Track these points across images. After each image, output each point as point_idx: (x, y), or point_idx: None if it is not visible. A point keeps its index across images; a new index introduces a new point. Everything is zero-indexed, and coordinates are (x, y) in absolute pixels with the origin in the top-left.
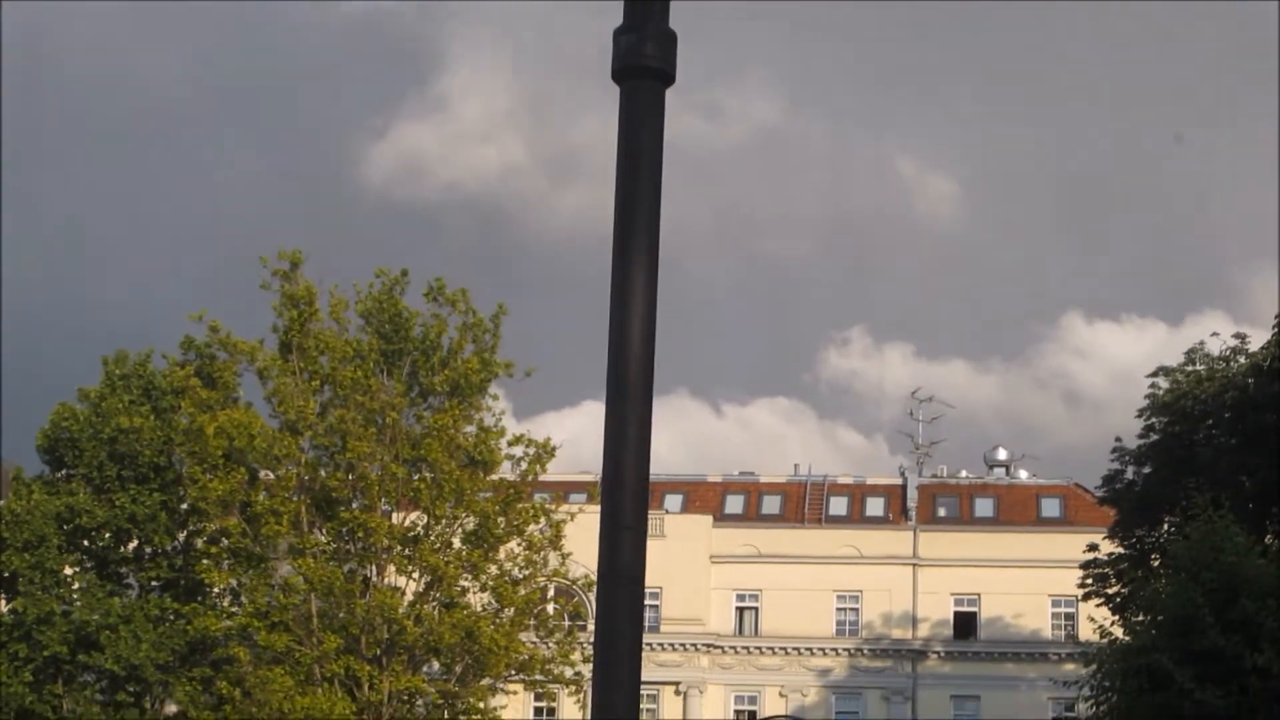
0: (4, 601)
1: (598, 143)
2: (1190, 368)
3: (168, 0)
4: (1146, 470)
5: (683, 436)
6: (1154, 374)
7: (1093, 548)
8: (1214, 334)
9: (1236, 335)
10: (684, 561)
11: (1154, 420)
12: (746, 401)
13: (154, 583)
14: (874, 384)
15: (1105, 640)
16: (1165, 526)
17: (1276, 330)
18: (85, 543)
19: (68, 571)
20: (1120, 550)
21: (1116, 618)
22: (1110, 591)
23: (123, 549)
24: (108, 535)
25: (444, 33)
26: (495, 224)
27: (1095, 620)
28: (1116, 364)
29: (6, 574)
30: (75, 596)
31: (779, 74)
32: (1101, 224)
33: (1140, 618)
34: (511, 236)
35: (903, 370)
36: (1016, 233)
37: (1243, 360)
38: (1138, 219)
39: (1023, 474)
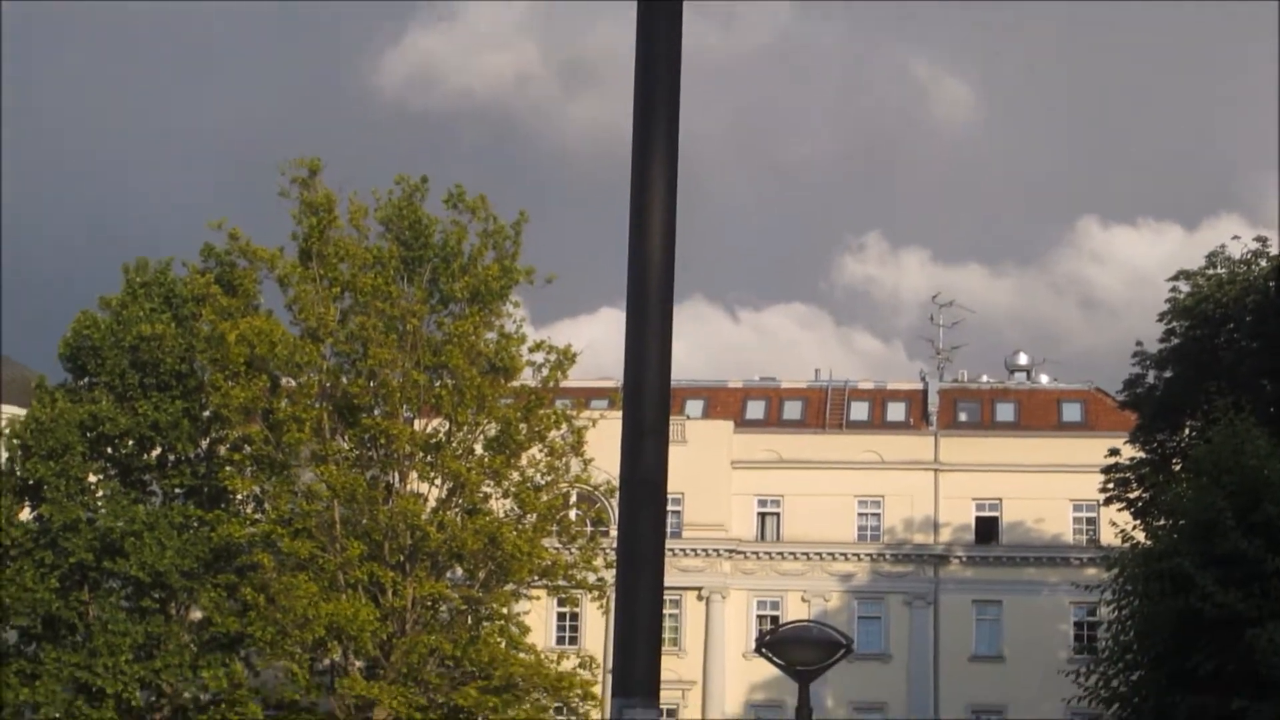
0: (30, 509)
1: (612, 50)
2: (1211, 271)
3: None
4: (1168, 374)
5: (700, 342)
6: (1174, 278)
7: (1114, 452)
8: (1235, 237)
9: (1258, 239)
10: (706, 467)
11: (1175, 324)
12: (762, 307)
13: (177, 490)
14: (890, 290)
15: (1127, 544)
16: (1187, 431)
17: None
18: (109, 450)
19: (92, 479)
20: (1141, 455)
21: (1138, 522)
22: (1131, 496)
23: (146, 456)
24: (131, 443)
25: None
26: (510, 132)
27: (1117, 525)
28: (1133, 268)
29: (32, 482)
30: (100, 504)
31: None
32: (1117, 127)
33: (1162, 522)
34: (526, 144)
35: (919, 275)
36: (1032, 136)
37: (1264, 264)
38: (1153, 122)
39: (1043, 379)
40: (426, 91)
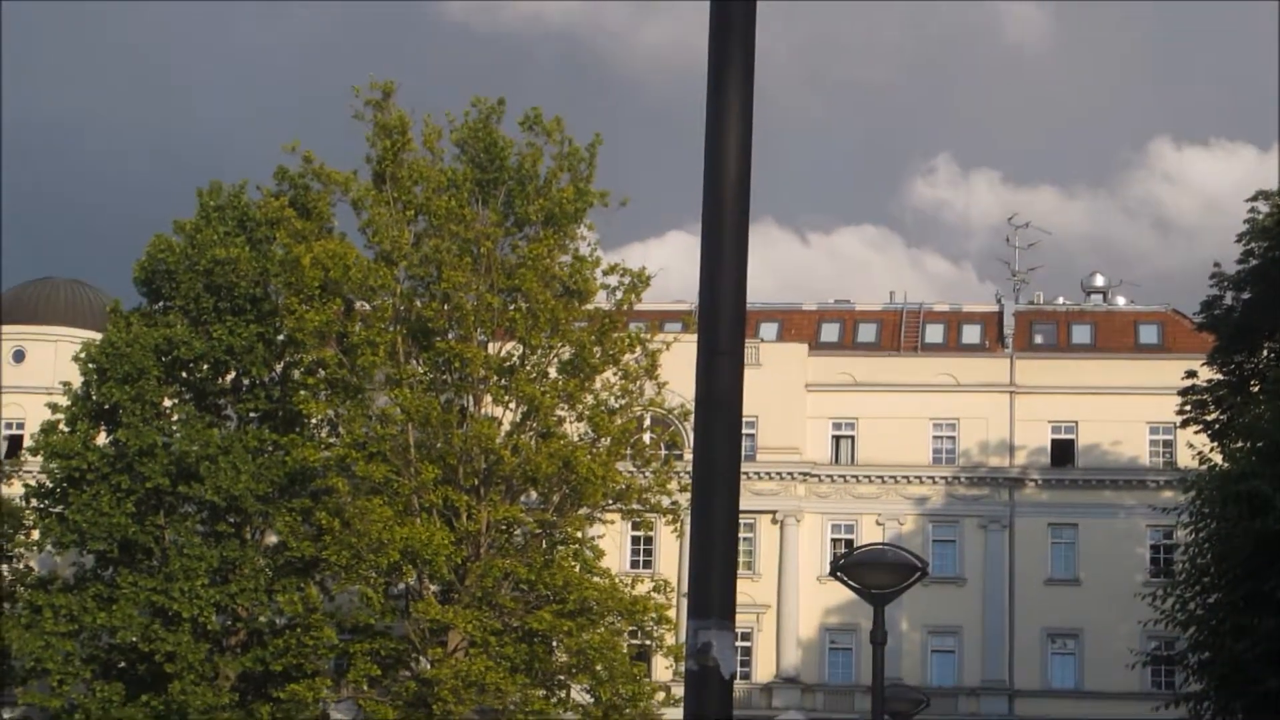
0: (106, 434)
1: None
2: None
3: None
4: (1246, 296)
5: (771, 265)
6: (1253, 198)
7: (1191, 374)
8: None
9: None
10: (780, 390)
11: (1254, 245)
12: (832, 230)
13: (252, 414)
14: (960, 212)
15: (1204, 467)
16: (1265, 352)
17: None
18: (184, 374)
19: (167, 403)
20: (1219, 376)
21: (1215, 444)
22: (1209, 418)
23: (221, 380)
24: (206, 367)
25: None
26: (578, 56)
27: (1194, 447)
28: (1206, 190)
29: (107, 406)
30: (175, 428)
31: None
32: (1188, 47)
33: (1239, 444)
34: (595, 68)
35: (990, 198)
36: (1103, 58)
37: None
38: (1224, 41)
39: (1120, 300)
40: (495, 14)
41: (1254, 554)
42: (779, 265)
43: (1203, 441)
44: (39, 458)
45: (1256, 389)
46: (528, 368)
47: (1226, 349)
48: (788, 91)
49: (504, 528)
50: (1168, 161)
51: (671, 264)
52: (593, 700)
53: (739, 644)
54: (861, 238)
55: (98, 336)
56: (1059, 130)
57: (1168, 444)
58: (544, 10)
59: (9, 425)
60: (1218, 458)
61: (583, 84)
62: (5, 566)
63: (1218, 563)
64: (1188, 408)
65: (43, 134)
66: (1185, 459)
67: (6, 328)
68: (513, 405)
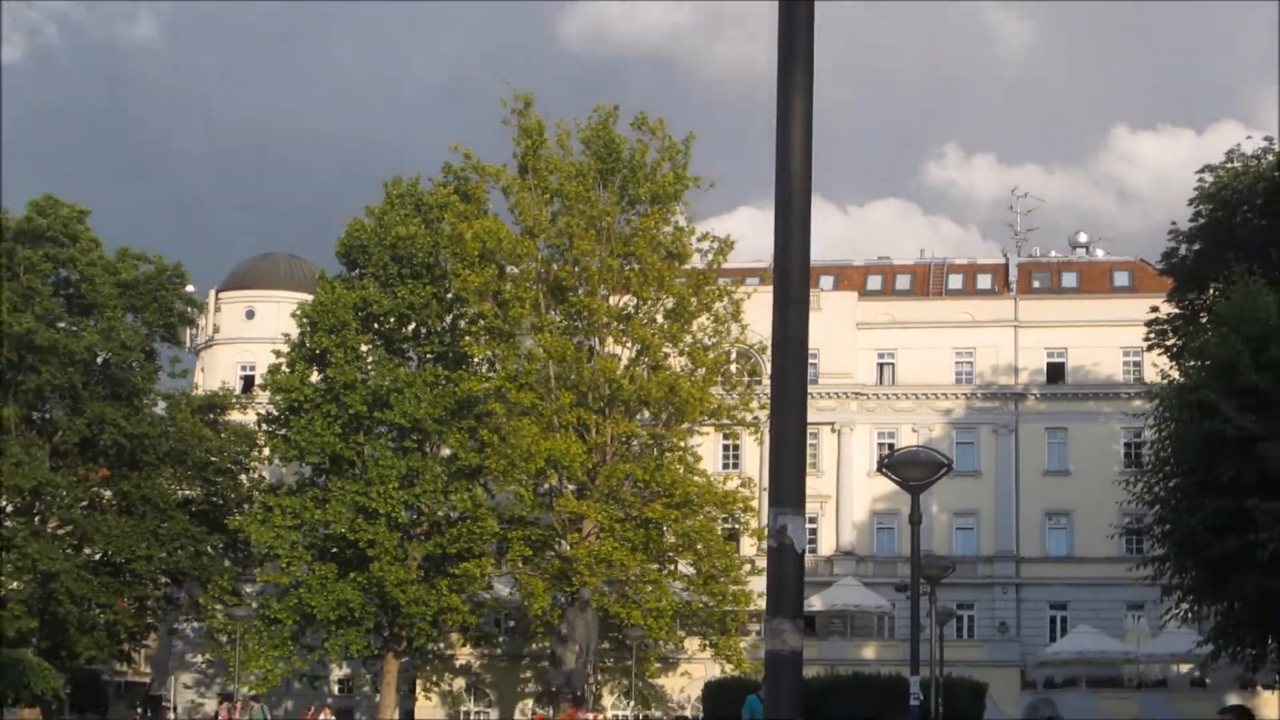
0: (317, 372)
1: (746, 6)
2: (1229, 165)
3: None
4: (1196, 247)
5: (820, 231)
6: (1201, 170)
7: (1154, 309)
8: (1248, 137)
9: (1266, 138)
10: (836, 329)
11: (1201, 208)
12: (864, 203)
13: (428, 355)
14: (965, 187)
15: (1165, 381)
16: (1211, 291)
17: None
18: (375, 326)
19: (363, 348)
20: (1176, 310)
21: (1173, 364)
22: (1169, 343)
23: (404, 330)
24: (392, 320)
25: None
26: (665, 70)
27: (1157, 366)
28: (1156, 166)
29: (318, 351)
30: (370, 368)
31: None
32: (1141, 53)
33: (1192, 363)
34: (679, 79)
35: (988, 174)
36: (1075, 62)
37: (1270, 158)
38: (1169, 47)
39: (1099, 253)
40: (603, 40)
41: (1203, 449)
42: (827, 231)
43: (1164, 362)
44: (267, 392)
45: (1205, 320)
46: (640, 315)
47: (1182, 289)
48: (827, 88)
49: (624, 440)
50: (1125, 144)
51: (743, 233)
52: (694, 572)
53: (807, 525)
54: (889, 209)
55: (309, 298)
56: (1040, 121)
57: (1137, 364)
58: (642, 35)
59: (243, 368)
60: (1175, 374)
61: (671, 91)
62: (244, 476)
63: (1175, 456)
64: (1152, 335)
65: (267, 138)
66: (1151, 376)
67: (239, 292)
68: (629, 344)
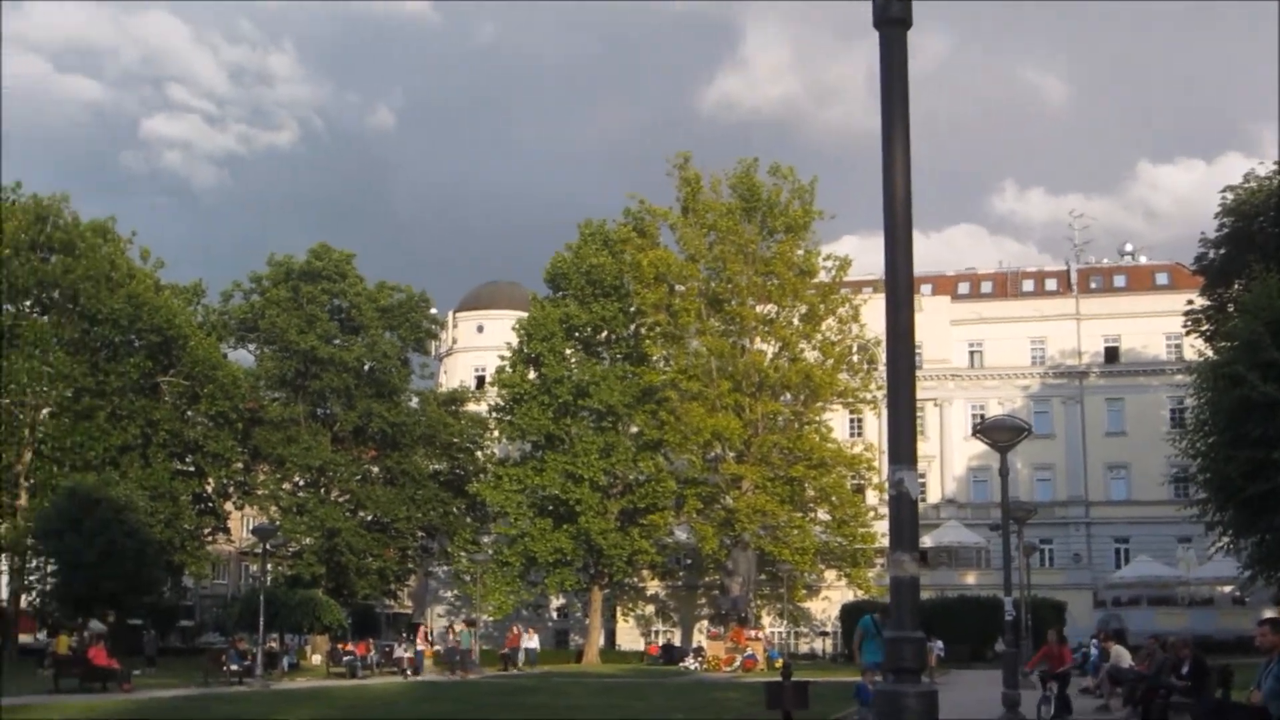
0: (534, 371)
1: (846, 75)
2: (1246, 184)
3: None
4: (1222, 251)
5: (914, 249)
6: (1224, 190)
7: (1190, 302)
8: (1260, 162)
9: (1277, 163)
10: (935, 325)
11: (1225, 219)
12: (942, 228)
13: (618, 356)
14: (1023, 213)
15: (1201, 359)
16: (1236, 287)
17: None
18: (576, 334)
19: (568, 352)
20: (1208, 302)
21: (1208, 344)
22: (1203, 329)
23: (598, 336)
24: (588, 329)
25: (739, 14)
26: (785, 128)
27: (1194, 347)
28: (1175, 191)
29: (534, 355)
30: (573, 366)
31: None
32: (1157, 97)
33: (1223, 344)
34: (795, 134)
35: (1040, 202)
36: (1105, 109)
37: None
38: (1180, 89)
39: (1142, 258)
40: (730, 112)
41: (1235, 411)
42: (917, 249)
43: (1200, 344)
44: (495, 388)
45: (1232, 309)
46: (780, 319)
47: (1212, 285)
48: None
49: (771, 416)
50: (1149, 174)
51: (852, 253)
52: (830, 518)
53: (919, 479)
54: (962, 232)
55: (525, 314)
56: (1080, 159)
57: (1178, 346)
58: (760, 106)
59: (476, 370)
60: (1210, 353)
61: (787, 145)
62: (479, 453)
63: (1212, 418)
64: (1189, 323)
65: (473, 195)
66: (1190, 355)
67: (472, 312)
68: (772, 342)
